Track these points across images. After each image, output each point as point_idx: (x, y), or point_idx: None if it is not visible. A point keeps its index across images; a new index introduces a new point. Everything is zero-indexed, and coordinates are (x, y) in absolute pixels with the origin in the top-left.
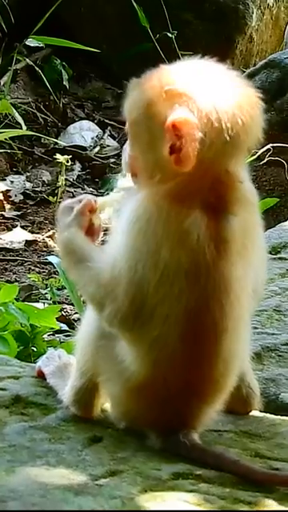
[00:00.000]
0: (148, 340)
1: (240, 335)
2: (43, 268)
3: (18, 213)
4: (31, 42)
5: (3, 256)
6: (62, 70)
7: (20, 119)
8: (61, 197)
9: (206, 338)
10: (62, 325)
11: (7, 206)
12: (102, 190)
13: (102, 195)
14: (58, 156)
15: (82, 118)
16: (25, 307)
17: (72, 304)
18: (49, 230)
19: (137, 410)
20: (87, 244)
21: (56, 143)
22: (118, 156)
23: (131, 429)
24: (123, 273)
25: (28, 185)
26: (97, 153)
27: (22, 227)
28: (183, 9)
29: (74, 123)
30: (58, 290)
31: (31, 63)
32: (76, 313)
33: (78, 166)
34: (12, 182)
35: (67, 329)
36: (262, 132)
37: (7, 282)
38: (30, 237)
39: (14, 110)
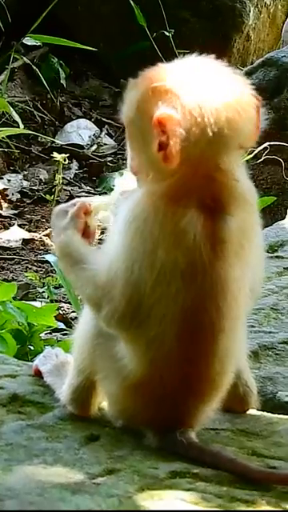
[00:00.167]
0: (145, 339)
1: (237, 334)
2: (40, 266)
3: (15, 211)
4: (28, 40)
5: (0, 255)
6: (59, 69)
7: (17, 118)
8: (58, 195)
9: (203, 338)
10: (59, 323)
11: (4, 205)
12: (99, 189)
13: (99, 194)
14: (55, 154)
15: (79, 117)
16: (22, 306)
17: (69, 302)
18: (46, 229)
19: (134, 408)
20: (84, 246)
21: (53, 142)
22: (116, 154)
23: (128, 427)
24: (120, 273)
25: (25, 183)
26: (94, 151)
27: (19, 226)
28: (180, 7)
29: (71, 122)
30: (55, 288)
31: (28, 62)
32: (73, 311)
33: (75, 165)
34: (9, 180)
35: (64, 327)
36: (256, 129)
37: (4, 280)
38: (27, 235)
39: (11, 109)
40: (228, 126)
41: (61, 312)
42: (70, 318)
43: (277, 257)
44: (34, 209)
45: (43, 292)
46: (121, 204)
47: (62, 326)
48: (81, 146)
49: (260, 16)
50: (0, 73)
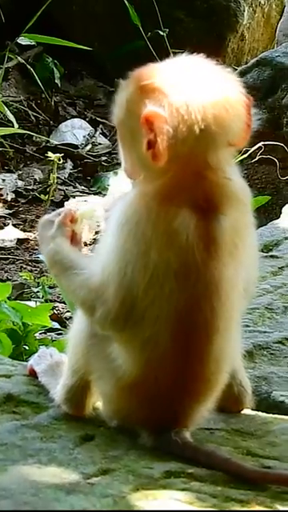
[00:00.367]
0: (140, 340)
1: (231, 334)
2: (35, 266)
3: (10, 211)
4: (23, 40)
5: None
6: (54, 68)
7: (12, 117)
8: (52, 195)
9: (197, 338)
10: (53, 323)
11: None
12: (93, 188)
13: (93, 193)
14: (49, 154)
15: (73, 116)
16: (17, 306)
17: (64, 302)
18: None
19: (129, 408)
20: (74, 252)
21: (48, 141)
22: (110, 154)
23: (123, 427)
24: (113, 275)
25: (20, 183)
26: (88, 151)
27: (14, 225)
28: (174, 7)
29: (65, 121)
30: (50, 288)
31: (23, 61)
32: (68, 311)
33: (69, 164)
34: (4, 180)
35: (59, 327)
36: (247, 127)
37: None
38: (22, 235)
39: (6, 108)
40: (215, 123)
41: (55, 312)
42: (65, 317)
43: (271, 256)
44: (29, 208)
45: (38, 292)
46: (114, 205)
47: (56, 325)
48: (75, 146)
49: (254, 15)
50: None
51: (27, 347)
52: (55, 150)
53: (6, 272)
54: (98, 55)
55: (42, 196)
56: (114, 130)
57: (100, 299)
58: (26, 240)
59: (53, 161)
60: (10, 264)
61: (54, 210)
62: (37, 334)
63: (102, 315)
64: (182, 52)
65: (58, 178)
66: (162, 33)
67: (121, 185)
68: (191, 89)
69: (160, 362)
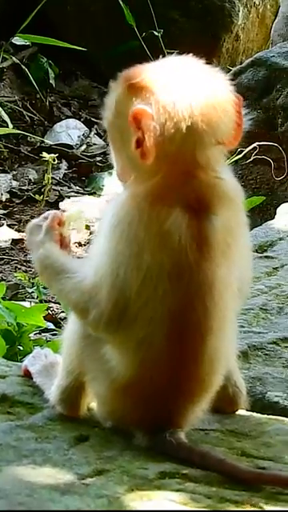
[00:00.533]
0: (134, 341)
1: (225, 334)
2: (30, 267)
3: (5, 211)
4: (17, 40)
5: None
6: (49, 69)
7: (6, 117)
8: (47, 195)
9: (191, 338)
10: (48, 323)
11: None
12: (88, 189)
13: (88, 193)
14: (44, 154)
15: (68, 117)
16: (12, 306)
17: (58, 303)
18: None
19: (123, 409)
20: (64, 256)
21: (42, 141)
22: (105, 154)
23: (117, 428)
24: (106, 277)
25: (14, 183)
26: (83, 151)
27: (9, 226)
28: (169, 7)
29: (60, 121)
30: (45, 288)
31: (17, 61)
32: (62, 311)
33: (64, 165)
34: None
35: (54, 327)
36: (237, 126)
37: None
38: (17, 235)
39: (0, 109)
40: (202, 121)
41: (50, 312)
42: (60, 318)
43: (266, 257)
44: (24, 209)
45: (32, 292)
46: (106, 206)
47: (51, 326)
48: (70, 146)
49: (249, 16)
50: None
51: (22, 348)
52: (50, 150)
53: (0, 272)
54: (93, 55)
55: (37, 196)
56: None
57: (93, 301)
58: (21, 240)
59: (47, 161)
60: (4, 264)
61: (48, 211)
62: (31, 335)
63: (95, 317)
64: (177, 52)
65: (52, 178)
66: (156, 33)
67: (115, 185)
68: (179, 87)
69: (154, 362)
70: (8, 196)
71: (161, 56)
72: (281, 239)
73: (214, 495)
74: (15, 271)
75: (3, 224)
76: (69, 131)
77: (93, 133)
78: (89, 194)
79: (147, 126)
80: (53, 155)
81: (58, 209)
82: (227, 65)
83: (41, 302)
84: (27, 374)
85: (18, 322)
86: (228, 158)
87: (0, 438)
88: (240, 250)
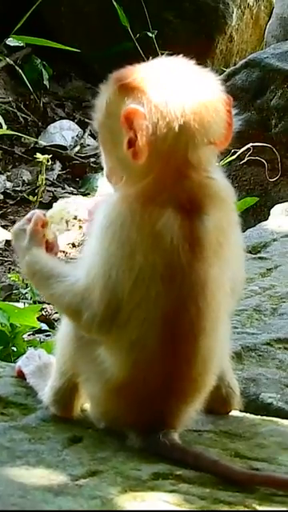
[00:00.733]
0: (127, 343)
1: (218, 334)
2: None
3: None
4: (11, 41)
5: None
6: (43, 70)
7: (0, 118)
8: (41, 196)
9: (184, 339)
10: (42, 324)
11: None
12: (82, 189)
13: (82, 194)
14: (38, 155)
15: (62, 118)
16: (5, 307)
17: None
18: None
19: (116, 410)
20: (52, 260)
21: (36, 142)
22: (99, 155)
23: (111, 429)
24: (98, 278)
25: (8, 184)
26: (77, 152)
27: (3, 226)
28: (163, 8)
29: (54, 122)
30: None
31: (11, 62)
32: (56, 312)
33: (58, 166)
34: None
35: (47, 328)
36: (228, 126)
37: None
38: (10, 236)
39: None
40: (194, 120)
41: (44, 313)
42: (53, 319)
43: (260, 258)
44: (17, 210)
45: (26, 293)
46: (98, 207)
47: (45, 327)
48: (64, 147)
49: (243, 17)
50: None
51: (15, 349)
52: (44, 151)
53: None
54: (87, 57)
55: (31, 197)
56: None
57: (85, 303)
58: None
59: (41, 162)
60: None
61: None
62: (25, 336)
63: (87, 319)
64: (171, 53)
65: (46, 179)
66: (150, 34)
67: (108, 186)
68: (170, 86)
69: (147, 363)
70: (2, 197)
71: (155, 57)
72: (274, 240)
73: (207, 496)
74: (9, 272)
75: None
76: (63, 132)
77: (87, 134)
78: (83, 195)
79: (139, 125)
80: (47, 156)
81: None
82: (221, 66)
83: (34, 302)
84: (21, 375)
85: (11, 322)
86: (221, 159)
87: None
88: (232, 250)
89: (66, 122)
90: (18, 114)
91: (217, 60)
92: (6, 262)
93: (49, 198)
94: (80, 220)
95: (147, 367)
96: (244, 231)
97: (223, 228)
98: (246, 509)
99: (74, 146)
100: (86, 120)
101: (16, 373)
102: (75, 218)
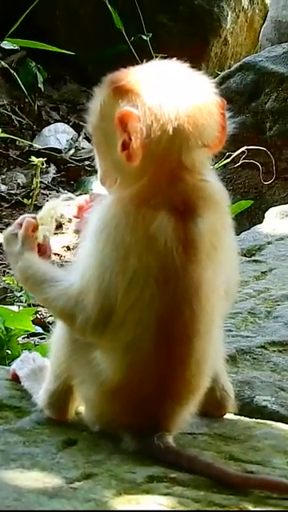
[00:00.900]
0: (122, 345)
1: (212, 337)
2: None
3: None
4: (6, 44)
5: None
6: (37, 73)
7: None
8: (36, 199)
9: (179, 341)
10: (36, 327)
11: None
12: (77, 193)
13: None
14: (32, 158)
15: (56, 121)
16: (0, 310)
17: None
18: None
19: (111, 412)
20: (45, 265)
21: (31, 146)
22: (93, 158)
23: (105, 431)
24: (92, 281)
25: (3, 187)
26: (72, 155)
27: None
28: (158, 11)
29: (48, 125)
30: None
31: (6, 66)
32: (51, 315)
33: (52, 169)
34: None
35: (42, 331)
36: (222, 129)
37: None
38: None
39: None
40: (188, 123)
41: (38, 316)
42: (48, 322)
43: (254, 261)
44: (12, 213)
45: (21, 296)
46: (92, 210)
47: (39, 330)
48: (58, 150)
49: (237, 20)
50: None
51: (10, 352)
52: (38, 154)
53: None
54: (82, 60)
55: (25, 200)
56: None
57: (79, 306)
58: None
59: (36, 165)
60: None
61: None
62: (20, 339)
63: (81, 322)
64: (166, 56)
65: (41, 182)
66: (145, 37)
67: (103, 189)
68: (164, 89)
69: (142, 365)
70: None
71: (149, 60)
72: (269, 243)
73: (202, 499)
74: (3, 275)
75: None
76: (57, 135)
77: (81, 137)
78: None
79: (134, 127)
80: (41, 159)
81: None
82: (216, 69)
83: (29, 305)
84: (15, 378)
85: (6, 325)
86: (216, 162)
87: None
88: (226, 253)
89: (60, 125)
90: (13, 117)
91: (211, 63)
92: (0, 265)
93: (43, 201)
94: (70, 220)
95: (142, 369)
96: (239, 234)
97: (217, 231)
98: (241, 511)
99: (69, 149)
100: (81, 123)
101: (10, 376)
102: (70, 220)
